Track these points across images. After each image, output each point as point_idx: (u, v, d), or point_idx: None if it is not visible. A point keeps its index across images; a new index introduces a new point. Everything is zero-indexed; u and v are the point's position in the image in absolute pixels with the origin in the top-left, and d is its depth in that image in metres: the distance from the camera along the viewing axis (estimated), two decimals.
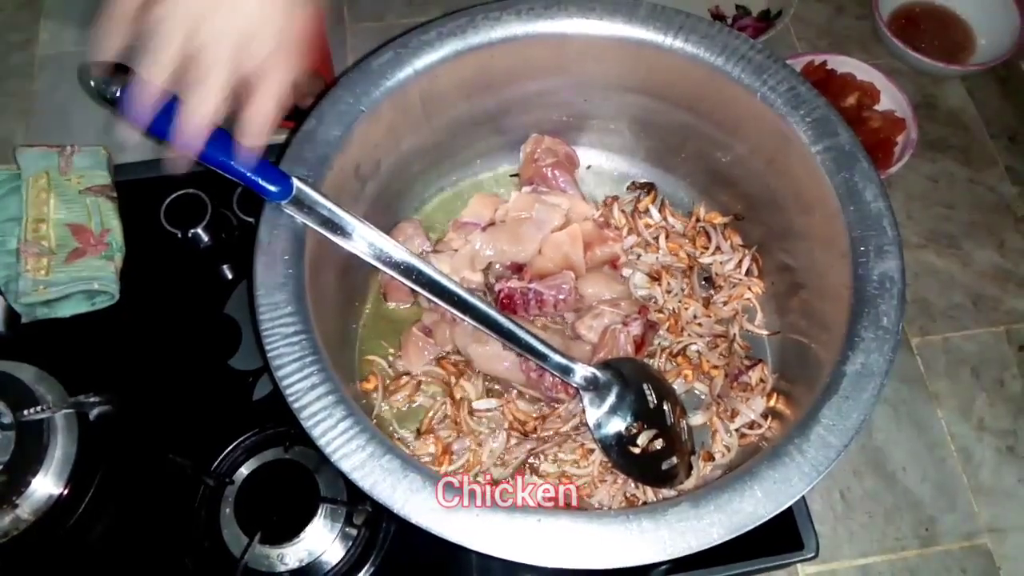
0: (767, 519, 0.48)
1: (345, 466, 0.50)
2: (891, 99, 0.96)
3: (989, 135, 1.02)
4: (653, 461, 0.65)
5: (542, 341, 0.63)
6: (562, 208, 0.75)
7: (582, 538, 0.48)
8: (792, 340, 0.69)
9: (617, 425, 0.65)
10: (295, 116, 0.91)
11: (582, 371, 0.64)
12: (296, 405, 0.52)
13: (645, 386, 0.66)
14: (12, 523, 0.66)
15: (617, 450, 0.64)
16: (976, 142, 1.01)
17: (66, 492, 0.68)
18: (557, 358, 0.63)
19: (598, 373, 0.65)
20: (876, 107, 0.96)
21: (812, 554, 0.69)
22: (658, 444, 0.65)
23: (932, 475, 0.81)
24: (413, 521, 0.48)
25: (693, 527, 0.48)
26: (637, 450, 0.64)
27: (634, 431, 0.65)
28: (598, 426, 0.65)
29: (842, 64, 0.97)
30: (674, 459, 0.65)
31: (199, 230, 0.80)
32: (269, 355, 0.53)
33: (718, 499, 0.49)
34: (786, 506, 0.49)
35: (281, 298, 0.55)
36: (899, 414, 0.84)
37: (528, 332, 0.62)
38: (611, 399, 0.65)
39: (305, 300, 0.56)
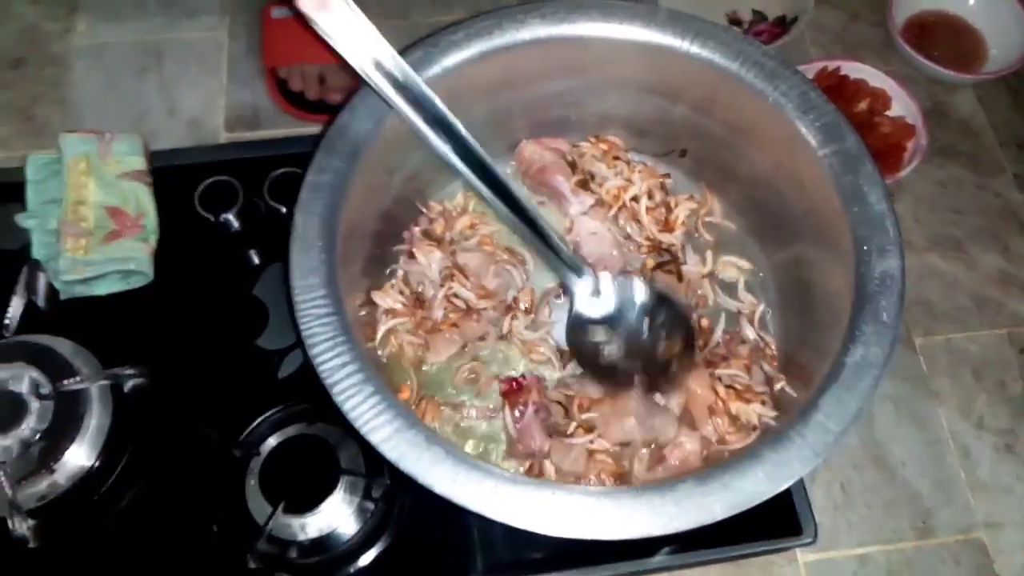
0: (767, 498, 0.51)
1: (374, 439, 0.53)
2: (902, 105, 0.98)
3: (998, 143, 1.04)
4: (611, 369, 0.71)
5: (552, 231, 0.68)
6: None
7: (594, 510, 0.51)
8: (796, 332, 0.71)
9: (594, 335, 0.71)
10: (325, 110, 0.95)
11: (588, 276, 0.71)
12: (328, 381, 0.55)
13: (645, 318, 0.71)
14: (49, 487, 0.69)
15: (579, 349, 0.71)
16: (985, 149, 1.04)
17: (100, 459, 0.71)
18: (566, 251, 0.69)
19: (604, 283, 0.71)
20: (887, 113, 0.98)
21: (810, 540, 0.72)
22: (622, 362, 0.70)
23: (931, 470, 0.84)
24: (436, 491, 0.51)
25: (697, 503, 0.51)
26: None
27: (604, 346, 0.71)
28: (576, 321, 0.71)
29: (855, 70, 1.00)
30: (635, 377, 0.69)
31: (230, 215, 0.83)
32: (303, 334, 0.56)
33: (722, 478, 0.52)
34: (785, 486, 0.52)
35: (314, 281, 0.58)
36: (900, 411, 0.86)
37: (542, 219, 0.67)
38: (602, 312, 0.71)
39: (336, 284, 0.59)
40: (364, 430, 0.53)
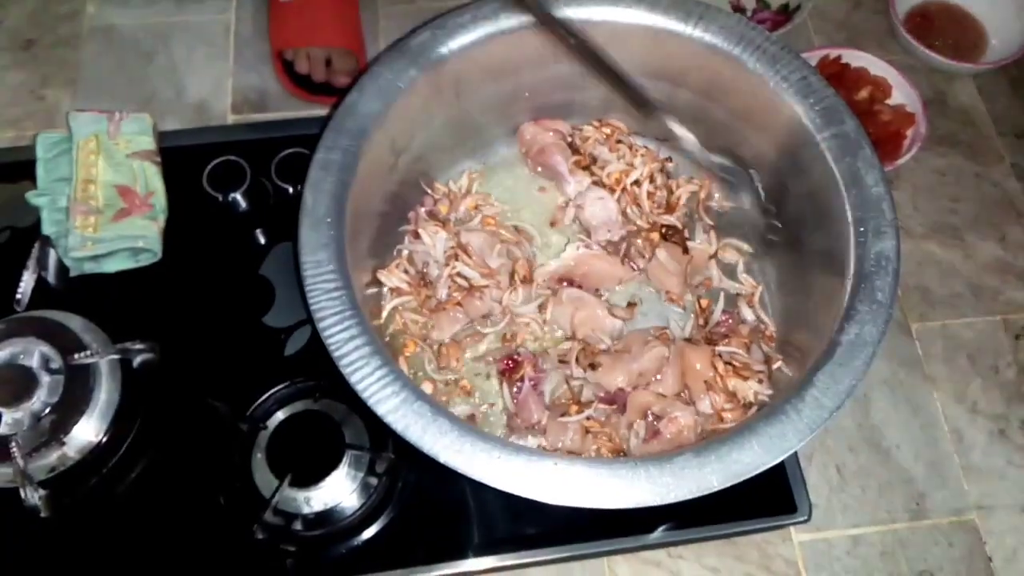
0: (763, 470, 0.53)
1: (380, 410, 0.54)
2: (903, 94, 0.99)
3: (997, 132, 1.05)
4: None
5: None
6: None
7: (593, 481, 0.52)
8: (793, 312, 0.73)
9: None
10: (331, 92, 0.96)
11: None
12: (337, 354, 0.56)
13: None
14: (59, 459, 0.70)
15: None
16: (984, 139, 1.04)
17: (109, 433, 0.72)
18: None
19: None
20: (888, 101, 0.99)
21: (804, 517, 0.73)
22: None
23: (925, 453, 0.85)
24: (441, 460, 0.53)
25: (695, 475, 0.52)
26: None
27: None
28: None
29: (857, 59, 1.01)
30: None
31: (238, 195, 0.84)
32: (312, 308, 0.58)
33: (718, 451, 0.53)
34: (780, 459, 0.53)
35: (323, 257, 0.60)
36: (896, 395, 0.88)
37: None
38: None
39: (344, 260, 0.60)
40: (371, 401, 0.55)
